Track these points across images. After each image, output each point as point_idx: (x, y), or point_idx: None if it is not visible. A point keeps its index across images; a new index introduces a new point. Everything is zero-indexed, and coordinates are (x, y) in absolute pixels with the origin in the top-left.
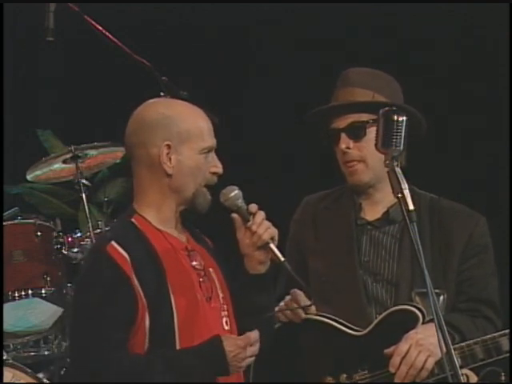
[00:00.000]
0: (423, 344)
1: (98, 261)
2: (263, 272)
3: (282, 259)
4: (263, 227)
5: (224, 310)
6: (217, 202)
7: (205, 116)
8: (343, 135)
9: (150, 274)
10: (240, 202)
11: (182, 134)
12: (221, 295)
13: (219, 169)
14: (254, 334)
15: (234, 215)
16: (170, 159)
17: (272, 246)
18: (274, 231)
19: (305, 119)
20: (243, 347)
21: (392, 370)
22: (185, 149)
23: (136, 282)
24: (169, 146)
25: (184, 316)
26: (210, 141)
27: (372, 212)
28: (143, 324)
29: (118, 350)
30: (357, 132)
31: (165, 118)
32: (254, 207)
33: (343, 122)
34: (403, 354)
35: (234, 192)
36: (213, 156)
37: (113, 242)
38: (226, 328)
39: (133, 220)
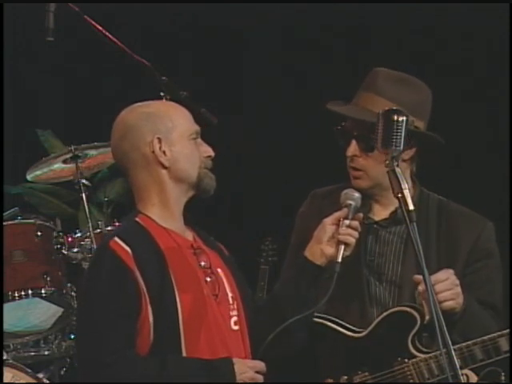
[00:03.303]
0: (457, 286)
1: (101, 255)
2: (321, 265)
3: (339, 260)
4: (350, 231)
5: (233, 310)
6: (218, 204)
7: (179, 105)
8: (354, 142)
9: (154, 269)
10: (349, 202)
11: (167, 125)
12: (230, 295)
13: (211, 152)
14: (263, 364)
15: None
16: (165, 152)
17: (342, 247)
18: (353, 242)
19: (324, 106)
20: (251, 367)
21: (418, 284)
22: (175, 138)
23: (139, 276)
24: (159, 140)
25: (189, 311)
26: (194, 125)
27: (380, 212)
28: (147, 319)
29: (127, 346)
30: (367, 145)
31: (147, 115)
32: None
33: (357, 127)
34: (440, 281)
35: (353, 194)
36: (201, 141)
37: (115, 238)
38: (235, 328)
39: (137, 219)
